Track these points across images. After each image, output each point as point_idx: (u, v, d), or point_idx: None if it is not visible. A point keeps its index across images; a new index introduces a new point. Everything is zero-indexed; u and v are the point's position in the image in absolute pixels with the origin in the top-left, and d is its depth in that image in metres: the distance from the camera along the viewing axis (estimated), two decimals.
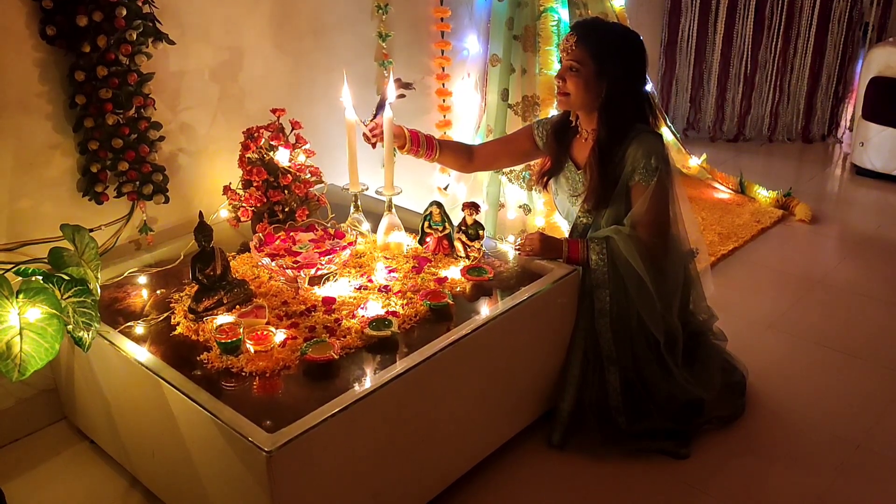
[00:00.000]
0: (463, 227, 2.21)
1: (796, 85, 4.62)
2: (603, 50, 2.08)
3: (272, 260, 2.02)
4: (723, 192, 3.90)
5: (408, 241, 2.28)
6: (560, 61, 2.16)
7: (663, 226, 2.15)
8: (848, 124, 4.65)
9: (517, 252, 2.22)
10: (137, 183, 2.27)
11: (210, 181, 2.49)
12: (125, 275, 2.16)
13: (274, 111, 2.31)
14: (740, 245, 3.37)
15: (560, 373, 2.18)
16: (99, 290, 1.88)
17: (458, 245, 2.21)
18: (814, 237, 3.54)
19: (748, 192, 3.85)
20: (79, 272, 1.82)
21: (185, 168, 2.46)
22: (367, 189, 2.28)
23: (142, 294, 2.11)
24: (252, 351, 1.76)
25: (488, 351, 1.95)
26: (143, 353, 1.82)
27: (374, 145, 2.30)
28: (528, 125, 2.46)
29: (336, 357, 1.74)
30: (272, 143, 2.24)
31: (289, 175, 2.25)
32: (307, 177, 2.31)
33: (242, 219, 2.26)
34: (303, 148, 2.32)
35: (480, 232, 2.20)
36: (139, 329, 1.92)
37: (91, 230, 2.21)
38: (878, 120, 3.99)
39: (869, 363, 2.57)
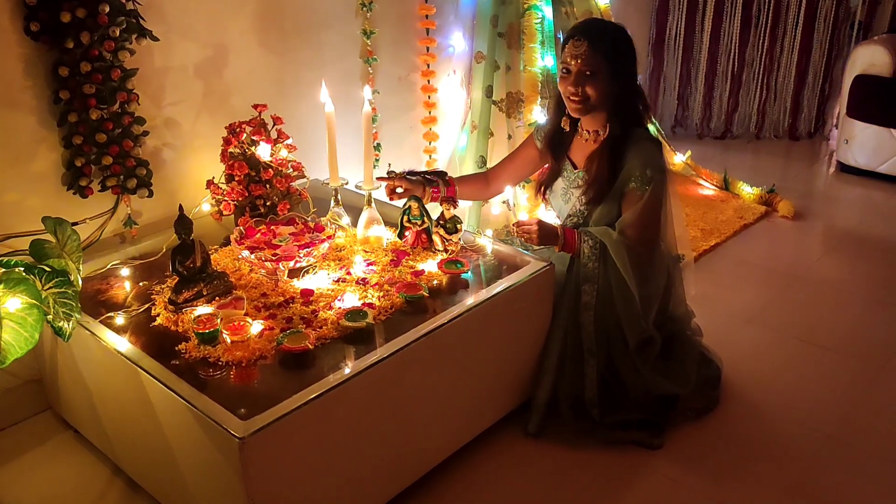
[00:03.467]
0: (441, 222, 2.24)
1: (783, 83, 4.66)
2: (615, 50, 2.13)
3: (252, 252, 2.06)
4: (707, 189, 3.93)
5: (387, 235, 2.31)
6: (566, 68, 2.15)
7: (651, 235, 2.20)
8: (835, 122, 4.68)
9: (512, 236, 2.25)
10: (122, 177, 2.31)
11: (194, 175, 2.52)
12: (108, 267, 2.20)
13: (255, 107, 2.34)
14: (722, 241, 3.41)
15: (537, 363, 2.22)
16: (80, 282, 1.92)
17: (436, 239, 2.25)
18: (796, 233, 3.58)
19: (732, 188, 3.89)
20: (60, 264, 1.85)
21: (169, 162, 2.49)
22: (346, 183, 2.31)
23: (124, 286, 2.14)
24: (229, 341, 1.79)
25: (463, 342, 1.99)
26: (122, 343, 1.86)
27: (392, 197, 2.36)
28: (529, 135, 2.50)
29: (311, 347, 1.78)
30: (254, 138, 2.28)
31: (270, 170, 2.28)
32: (289, 171, 2.34)
33: (225, 212, 2.29)
34: (285, 143, 2.35)
35: (458, 226, 2.24)
36: (120, 320, 1.96)
37: (76, 223, 2.27)
38: (862, 117, 4.02)
39: (844, 356, 2.61)
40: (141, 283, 2.14)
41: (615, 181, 2.17)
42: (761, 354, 2.63)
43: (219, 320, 1.84)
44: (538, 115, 3.12)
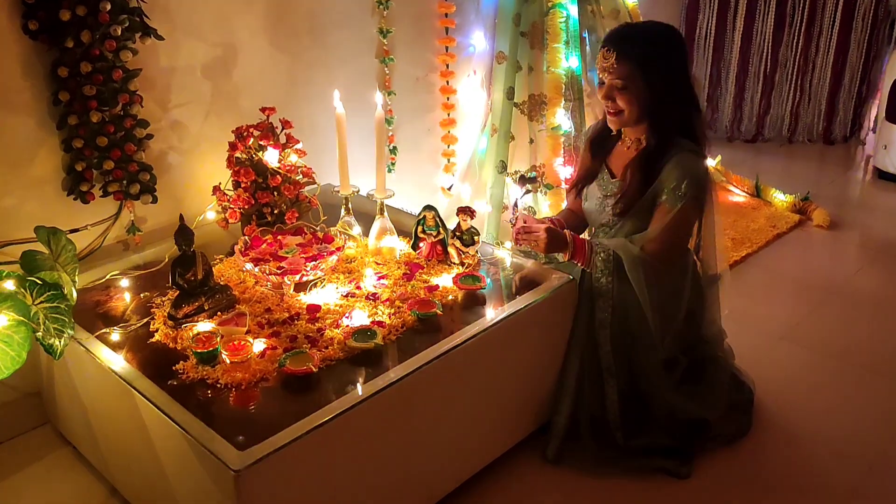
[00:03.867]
0: (458, 233, 2.12)
1: (818, 84, 4.48)
2: (647, 59, 1.97)
3: (256, 265, 1.95)
4: (737, 195, 3.78)
5: (400, 246, 2.20)
6: (599, 80, 2.04)
7: (673, 254, 2.06)
8: (872, 126, 4.50)
9: (518, 244, 2.11)
10: (124, 182, 2.21)
11: (201, 181, 2.42)
12: (107, 277, 2.10)
13: (263, 110, 2.23)
14: (754, 251, 3.25)
15: (555, 385, 2.09)
16: (75, 295, 1.82)
17: (451, 251, 2.13)
18: (832, 243, 3.41)
19: (764, 195, 3.73)
20: (52, 276, 1.75)
21: (175, 167, 2.39)
22: (357, 191, 2.19)
23: (124, 297, 2.05)
24: (228, 362, 1.69)
25: (478, 364, 1.86)
26: (117, 361, 1.75)
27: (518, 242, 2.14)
28: (580, 150, 2.34)
29: (315, 370, 1.67)
30: (261, 143, 2.17)
31: (278, 176, 2.17)
32: (298, 178, 2.23)
33: (231, 220, 2.19)
34: (294, 148, 2.24)
35: (476, 238, 2.11)
36: (116, 335, 1.86)
37: (77, 230, 2.18)
38: None
39: (887, 379, 2.45)
40: (142, 295, 2.05)
41: (645, 194, 2.02)
42: (796, 375, 2.48)
43: (218, 339, 1.73)
44: (561, 118, 2.99)
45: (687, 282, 2.11)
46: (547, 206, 3.03)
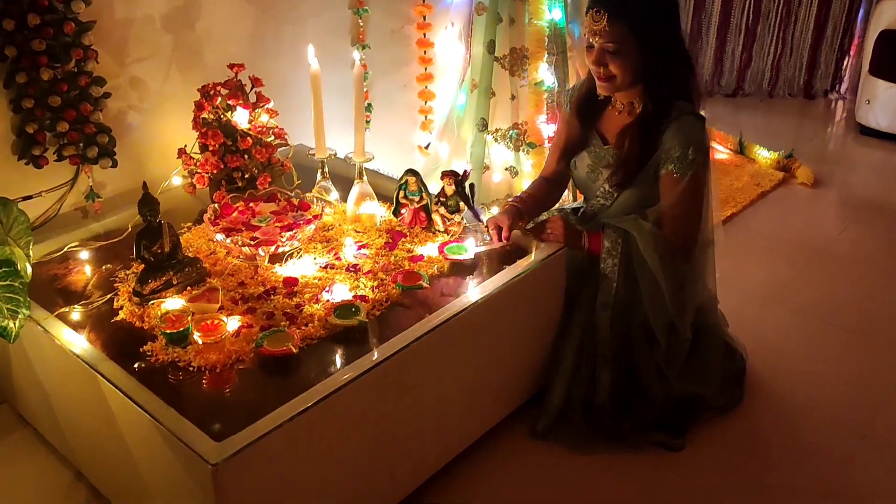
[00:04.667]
0: (442, 199, 2.00)
1: (800, 37, 4.38)
2: (641, 20, 1.82)
3: (227, 236, 1.81)
4: (721, 153, 3.69)
5: (381, 213, 2.07)
6: (589, 42, 1.88)
7: (691, 227, 1.94)
8: (851, 79, 4.42)
9: (528, 236, 1.99)
10: (81, 145, 2.05)
11: (165, 142, 2.25)
12: (65, 249, 1.95)
13: (232, 66, 2.07)
14: (739, 210, 3.18)
15: (549, 362, 2.01)
16: (30, 270, 1.67)
17: (436, 218, 2.01)
18: (817, 202, 3.35)
19: (748, 152, 3.65)
20: (3, 252, 1.60)
21: (136, 128, 2.22)
22: (334, 154, 2.06)
23: (84, 271, 1.90)
24: (200, 342, 1.56)
25: (466, 339, 1.76)
26: (79, 342, 1.62)
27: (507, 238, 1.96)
28: (561, 109, 2.17)
29: (294, 351, 1.55)
30: (229, 102, 2.01)
31: (248, 138, 2.02)
32: (270, 139, 2.09)
33: (198, 186, 2.04)
34: (265, 107, 2.09)
35: (461, 204, 2.00)
36: (76, 314, 1.72)
37: (30, 197, 2.03)
38: (887, 76, 3.76)
39: (875, 340, 2.42)
40: (104, 268, 1.91)
41: (647, 162, 1.91)
42: (785, 339, 2.43)
43: (189, 318, 1.61)
44: (544, 73, 2.85)
45: (710, 256, 2.02)
46: (530, 165, 2.91)
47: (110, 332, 1.67)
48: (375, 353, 1.58)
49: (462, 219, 2.01)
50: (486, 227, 1.96)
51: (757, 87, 4.54)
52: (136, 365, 1.57)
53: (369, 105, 2.85)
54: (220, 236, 1.79)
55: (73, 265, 1.92)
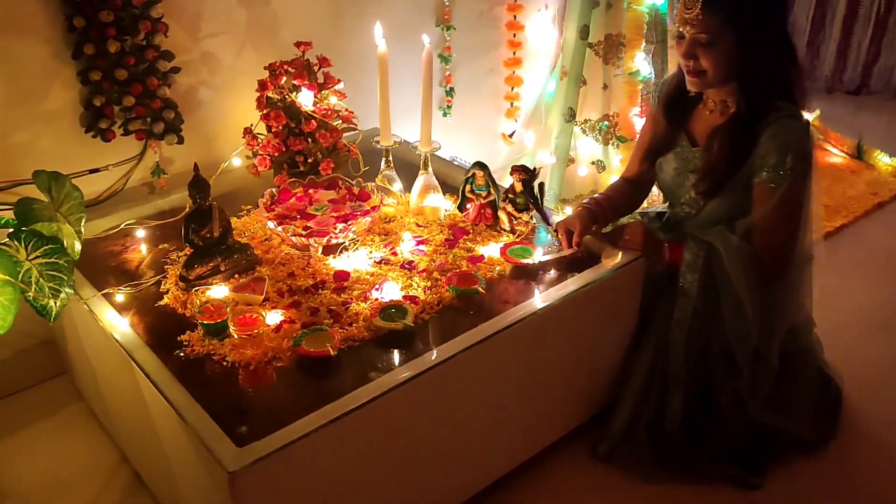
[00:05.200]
0: (510, 195, 1.86)
1: None
2: (739, 8, 1.61)
3: (280, 224, 1.73)
4: (835, 156, 3.36)
5: (446, 206, 1.95)
6: (679, 32, 1.69)
7: (787, 243, 1.73)
8: None
9: (602, 241, 1.83)
10: (148, 120, 2.01)
11: (235, 120, 2.19)
12: (122, 225, 1.91)
13: (298, 45, 1.98)
14: (851, 221, 2.89)
15: (617, 380, 1.84)
16: (78, 248, 1.64)
17: (502, 216, 1.87)
18: None
19: (866, 157, 3.31)
20: (51, 228, 1.57)
21: (206, 104, 2.18)
22: (399, 143, 1.94)
23: (140, 249, 1.87)
24: (236, 336, 1.49)
25: (523, 351, 1.62)
26: (121, 326, 1.58)
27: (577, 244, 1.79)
28: (650, 107, 1.99)
29: (333, 353, 1.45)
30: (294, 82, 1.92)
31: (313, 121, 1.93)
32: (336, 123, 1.99)
33: (260, 168, 1.96)
34: (333, 89, 1.99)
35: (530, 203, 1.85)
36: (123, 295, 1.67)
37: (97, 170, 2.01)
38: None
39: None
40: (160, 247, 1.87)
41: (738, 169, 1.71)
42: (889, 371, 2.17)
43: (228, 309, 1.53)
44: (640, 62, 2.64)
45: (807, 275, 1.81)
46: (618, 160, 2.72)
47: (153, 316, 1.62)
48: (418, 362, 1.46)
49: (531, 218, 1.87)
50: (556, 230, 1.80)
51: (884, 84, 4.13)
52: (176, 353, 1.51)
53: (451, 89, 2.73)
54: (271, 224, 1.71)
55: (130, 242, 1.89)
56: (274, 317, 1.56)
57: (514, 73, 2.87)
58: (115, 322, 1.59)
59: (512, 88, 2.90)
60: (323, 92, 1.95)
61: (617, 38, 2.68)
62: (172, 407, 1.37)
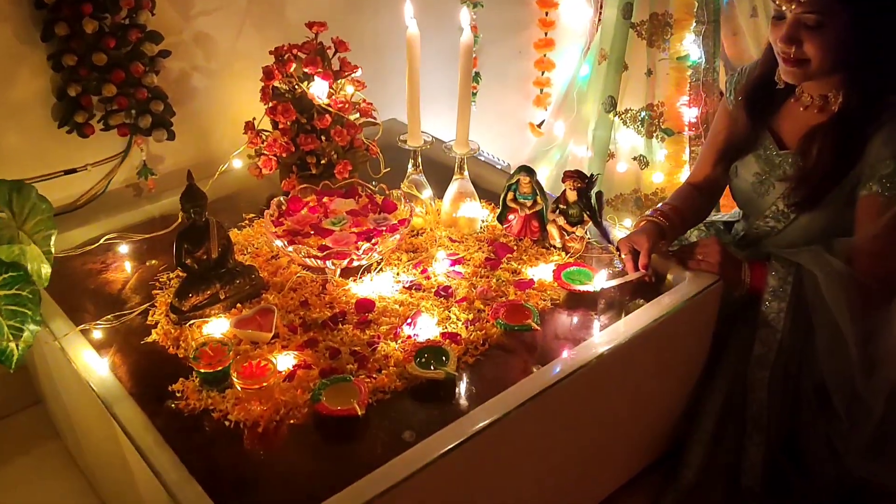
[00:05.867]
0: (562, 206, 1.57)
1: None
2: None
3: (290, 243, 1.44)
4: None
5: (483, 216, 1.67)
6: (778, 11, 1.39)
7: None
8: None
9: (668, 259, 1.55)
10: (133, 112, 1.72)
11: (235, 112, 1.90)
12: (102, 240, 1.63)
13: (311, 25, 1.68)
14: None
15: (682, 421, 1.57)
16: (47, 274, 1.35)
17: (552, 230, 1.59)
18: None
19: None
20: (11, 252, 1.28)
21: (201, 93, 1.88)
22: (430, 143, 1.65)
23: (124, 267, 1.58)
24: (240, 388, 1.21)
25: (581, 400, 1.35)
26: (99, 369, 1.29)
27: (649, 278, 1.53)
28: (720, 100, 1.68)
29: (360, 413, 1.17)
30: (306, 70, 1.63)
31: (327, 115, 1.64)
32: (354, 117, 1.70)
33: (264, 170, 1.67)
34: (350, 77, 1.69)
35: (586, 215, 1.56)
36: (101, 330, 1.39)
37: (72, 171, 1.72)
38: None
39: None
40: (148, 263, 1.58)
41: (842, 178, 1.43)
42: None
43: (230, 353, 1.25)
44: (690, 45, 2.34)
45: None
46: (663, 155, 2.43)
47: (139, 356, 1.34)
48: (465, 423, 1.18)
49: (586, 233, 1.58)
50: (618, 249, 1.52)
51: None
52: (167, 404, 1.23)
53: (477, 74, 2.44)
54: (279, 242, 1.42)
55: (112, 259, 1.61)
56: (286, 360, 1.28)
57: (545, 55, 2.57)
58: (93, 365, 1.30)
59: (542, 73, 2.60)
60: (339, 81, 1.66)
61: (663, 18, 2.38)
62: (159, 480, 1.10)
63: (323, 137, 1.65)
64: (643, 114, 2.45)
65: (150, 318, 1.41)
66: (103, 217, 1.72)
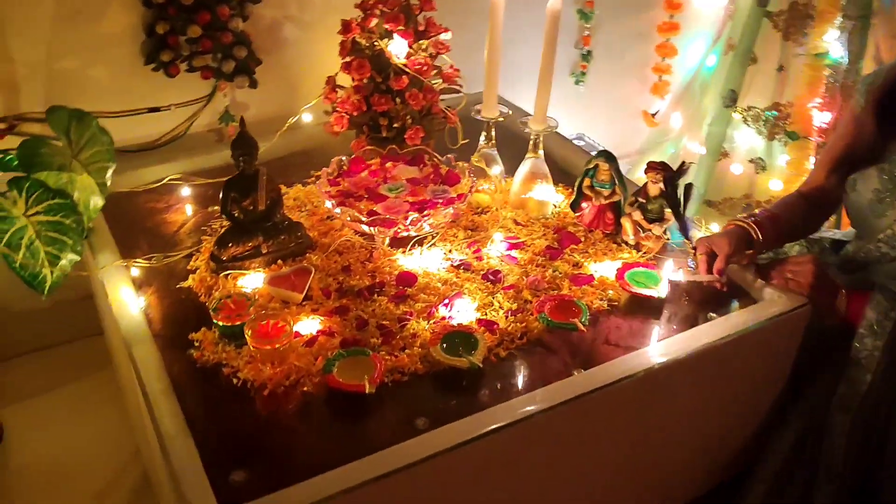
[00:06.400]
0: (641, 199, 1.42)
1: None
2: None
3: (339, 203, 1.38)
4: None
5: (556, 201, 1.54)
6: None
7: None
8: None
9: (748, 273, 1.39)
10: (218, 56, 1.70)
11: (324, 66, 1.83)
12: (165, 180, 1.62)
13: None
14: None
15: (744, 455, 1.40)
16: (97, 206, 1.35)
17: (626, 224, 1.44)
18: None
19: None
20: (60, 179, 1.28)
21: (291, 44, 1.85)
22: (506, 116, 1.53)
23: (184, 210, 1.57)
24: (252, 347, 1.16)
25: (623, 415, 1.22)
26: (130, 308, 1.28)
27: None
28: (853, 103, 1.46)
29: (370, 391, 1.09)
30: (386, 26, 1.55)
31: (405, 76, 1.56)
32: (435, 82, 1.61)
33: (336, 127, 1.62)
34: (434, 38, 1.60)
35: (667, 211, 1.41)
36: (145, 267, 1.37)
37: (157, 109, 1.72)
38: None
39: None
40: (210, 209, 1.56)
41: None
42: None
43: (251, 308, 1.20)
44: (832, 41, 2.10)
45: None
46: (784, 161, 2.20)
47: (172, 300, 1.32)
48: (483, 419, 1.08)
49: (665, 233, 1.43)
50: (694, 249, 1.36)
51: None
52: (188, 352, 1.20)
53: (589, 53, 2.29)
54: (329, 203, 1.36)
55: (175, 200, 1.60)
56: (310, 325, 1.22)
57: (667, 40, 2.38)
58: (126, 301, 1.29)
59: (663, 59, 2.42)
60: (421, 42, 1.57)
61: (805, 9, 2.14)
62: (154, 427, 1.07)
63: (398, 99, 1.57)
64: (767, 113, 2.22)
65: (191, 263, 1.39)
66: (181, 158, 1.72)
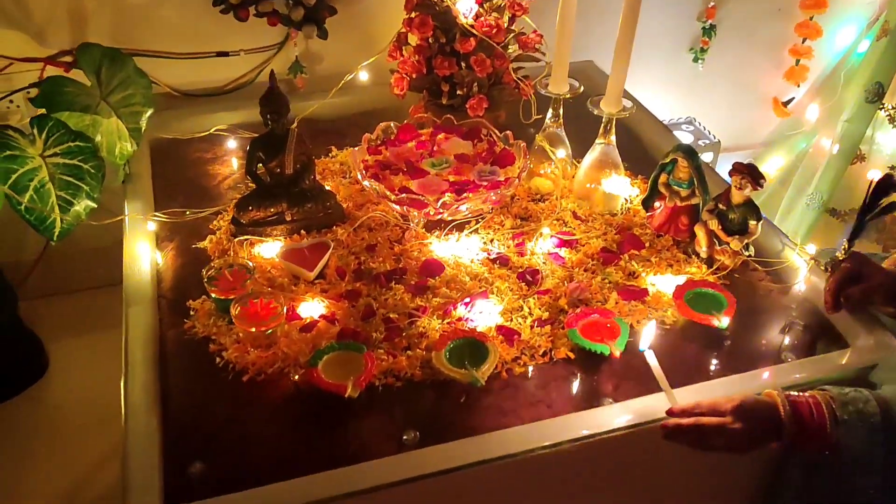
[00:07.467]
0: (721, 206, 1.20)
1: None
2: None
3: (374, 175, 1.24)
4: None
5: (627, 195, 1.34)
6: None
7: None
8: None
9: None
10: (290, 1, 1.59)
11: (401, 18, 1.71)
12: (213, 130, 1.55)
13: None
14: None
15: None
16: (127, 152, 1.29)
17: (699, 233, 1.22)
18: None
19: None
20: (81, 121, 1.22)
21: None
22: (576, 92, 1.33)
23: (231, 163, 1.49)
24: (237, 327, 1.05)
25: (644, 463, 1.03)
26: (142, 263, 1.21)
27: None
28: None
29: (351, 395, 0.97)
30: None
31: (472, 39, 1.39)
32: (510, 50, 1.43)
33: (396, 90, 1.48)
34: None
35: (751, 223, 1.18)
36: (152, 224, 1.30)
37: (226, 54, 1.65)
38: None
39: None
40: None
41: None
42: None
43: (249, 281, 1.10)
44: None
45: None
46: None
47: (186, 259, 1.24)
48: (477, 446, 0.94)
49: (745, 248, 1.20)
50: (841, 260, 1.14)
51: None
52: (184, 321, 1.12)
53: (712, 27, 2.02)
54: (360, 175, 1.22)
55: (224, 152, 1.52)
56: (312, 307, 1.11)
57: (811, 18, 2.06)
58: (140, 254, 1.23)
59: (803, 41, 2.10)
60: (493, 1, 1.39)
61: None
62: (123, 396, 1.00)
63: (462, 64, 1.41)
64: None
65: (214, 222, 1.30)
66: (247, 105, 1.63)
